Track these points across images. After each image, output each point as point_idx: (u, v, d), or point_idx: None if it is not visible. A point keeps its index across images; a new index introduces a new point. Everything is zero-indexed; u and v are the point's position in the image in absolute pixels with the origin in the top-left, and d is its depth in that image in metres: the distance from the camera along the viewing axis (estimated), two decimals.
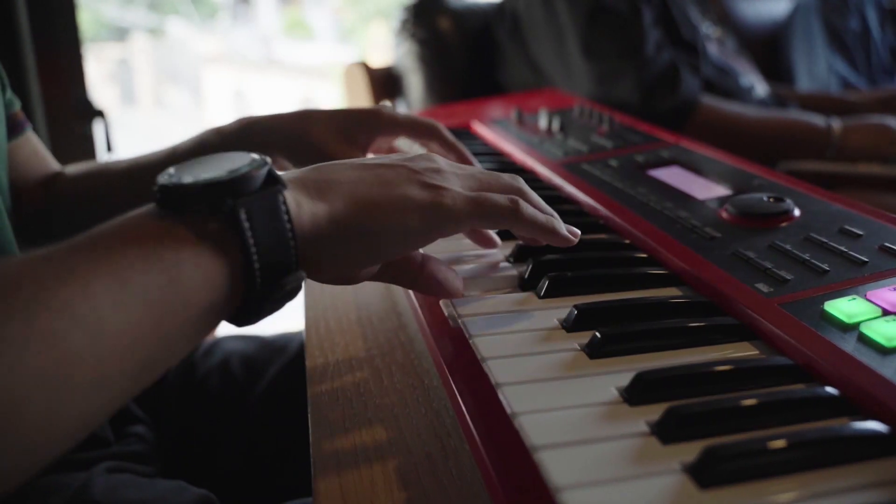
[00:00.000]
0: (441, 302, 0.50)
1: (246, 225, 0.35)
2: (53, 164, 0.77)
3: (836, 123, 1.31)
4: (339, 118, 0.65)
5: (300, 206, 0.39)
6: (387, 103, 1.61)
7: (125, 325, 0.32)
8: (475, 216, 0.45)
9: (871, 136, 1.31)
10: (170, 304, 0.34)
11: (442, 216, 0.44)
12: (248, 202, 0.35)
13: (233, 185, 0.36)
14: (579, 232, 0.51)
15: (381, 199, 0.42)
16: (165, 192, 0.36)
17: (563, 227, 0.50)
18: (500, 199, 0.47)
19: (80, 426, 0.32)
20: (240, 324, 0.38)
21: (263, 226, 0.36)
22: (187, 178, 0.36)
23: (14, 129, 0.70)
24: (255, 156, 0.38)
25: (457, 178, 0.47)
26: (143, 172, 0.67)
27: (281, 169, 0.60)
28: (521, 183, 0.50)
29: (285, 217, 0.37)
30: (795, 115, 1.40)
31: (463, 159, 0.68)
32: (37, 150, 0.74)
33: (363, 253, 0.43)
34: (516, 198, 0.48)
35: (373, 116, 0.66)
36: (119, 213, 0.37)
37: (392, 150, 0.72)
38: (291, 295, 0.39)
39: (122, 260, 0.33)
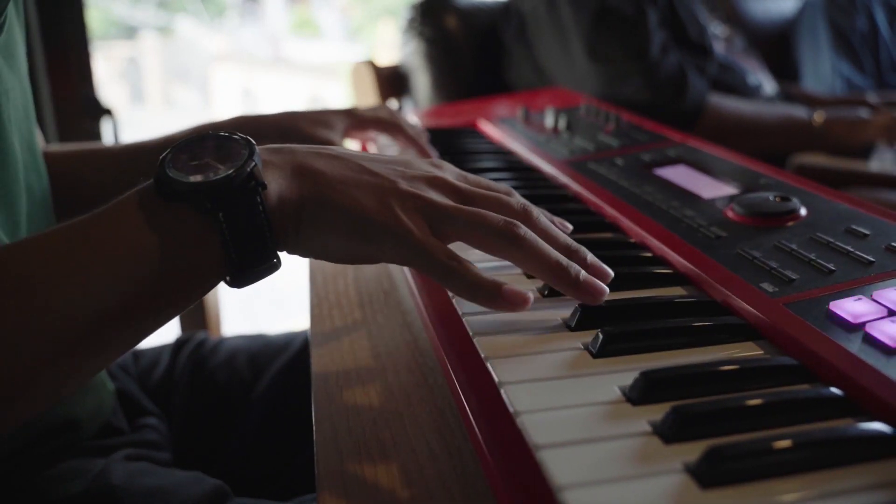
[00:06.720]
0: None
1: (224, 224, 0.39)
2: None
3: (819, 115, 1.38)
4: (320, 113, 0.76)
5: (280, 193, 0.41)
6: (393, 102, 1.62)
7: (98, 305, 0.37)
8: (459, 231, 0.44)
9: (848, 126, 1.39)
10: (149, 285, 0.38)
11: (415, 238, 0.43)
12: (228, 204, 0.39)
13: (215, 189, 0.39)
14: (607, 290, 0.44)
15: (352, 202, 0.42)
16: (158, 181, 0.39)
17: (578, 272, 0.44)
18: (495, 218, 0.44)
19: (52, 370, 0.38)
20: (233, 285, 0.41)
21: (241, 222, 0.39)
22: (177, 174, 0.39)
23: None
24: (245, 150, 0.40)
25: (442, 189, 0.45)
26: (140, 156, 0.72)
27: None
28: (529, 209, 0.47)
29: (261, 210, 0.40)
30: (782, 107, 1.47)
31: (424, 153, 0.77)
32: None
33: (341, 244, 0.43)
34: (514, 221, 0.44)
35: (346, 112, 0.77)
36: (110, 193, 0.42)
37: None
38: (272, 269, 0.42)
39: (110, 249, 0.38)
